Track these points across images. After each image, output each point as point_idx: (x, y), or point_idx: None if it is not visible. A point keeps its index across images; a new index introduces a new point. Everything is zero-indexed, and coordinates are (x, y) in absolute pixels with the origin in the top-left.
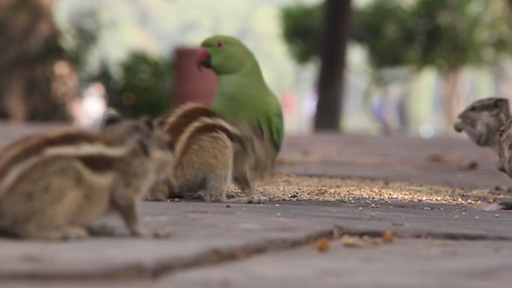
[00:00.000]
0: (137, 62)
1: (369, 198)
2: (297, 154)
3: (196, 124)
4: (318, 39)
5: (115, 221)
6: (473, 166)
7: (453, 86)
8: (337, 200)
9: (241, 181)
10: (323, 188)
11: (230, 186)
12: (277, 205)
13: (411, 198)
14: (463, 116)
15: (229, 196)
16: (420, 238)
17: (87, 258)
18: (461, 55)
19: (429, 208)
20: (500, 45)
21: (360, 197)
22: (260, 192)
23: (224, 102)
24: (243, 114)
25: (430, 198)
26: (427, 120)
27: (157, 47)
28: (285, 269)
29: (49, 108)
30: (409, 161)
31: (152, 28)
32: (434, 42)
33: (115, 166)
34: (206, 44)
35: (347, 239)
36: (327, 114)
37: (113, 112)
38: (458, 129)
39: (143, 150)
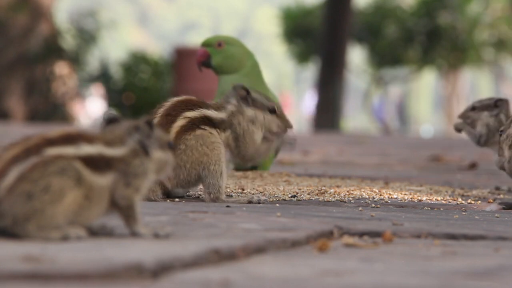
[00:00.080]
0: (137, 62)
1: (369, 198)
2: (297, 154)
3: (178, 123)
4: (318, 39)
5: (115, 221)
6: (473, 166)
7: (453, 86)
8: (337, 200)
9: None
10: (323, 188)
11: (229, 185)
12: (277, 205)
13: (411, 198)
14: (463, 116)
15: (229, 196)
16: (420, 238)
17: (87, 258)
18: (461, 55)
19: (429, 208)
20: (500, 45)
21: (360, 197)
22: (260, 192)
23: None
24: None
25: (430, 198)
26: (427, 120)
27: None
28: (285, 269)
29: (49, 108)
30: (409, 161)
31: (152, 28)
32: (434, 42)
33: (115, 166)
34: (206, 44)
35: (347, 239)
36: (327, 114)
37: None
38: (458, 129)
39: (143, 150)
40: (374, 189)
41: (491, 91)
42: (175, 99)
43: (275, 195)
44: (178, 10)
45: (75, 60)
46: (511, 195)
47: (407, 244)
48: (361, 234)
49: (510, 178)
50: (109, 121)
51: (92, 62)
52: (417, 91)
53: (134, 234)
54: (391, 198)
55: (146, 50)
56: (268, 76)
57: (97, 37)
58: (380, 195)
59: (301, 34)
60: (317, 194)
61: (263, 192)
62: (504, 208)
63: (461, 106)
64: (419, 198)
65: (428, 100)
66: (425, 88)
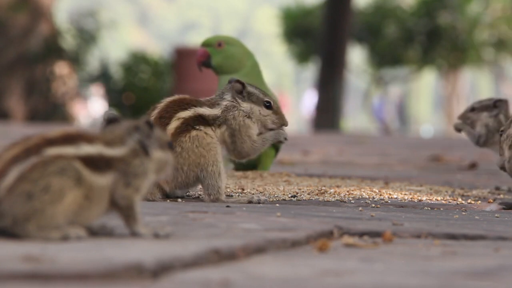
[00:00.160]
0: (137, 62)
1: (369, 198)
2: (297, 154)
3: (173, 125)
4: (318, 39)
5: (115, 221)
6: (473, 166)
7: (453, 86)
8: (337, 200)
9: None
10: (323, 188)
11: (229, 185)
12: (277, 205)
13: (411, 198)
14: (463, 117)
15: (229, 196)
16: (420, 238)
17: (87, 258)
18: (461, 55)
19: (429, 208)
20: (500, 45)
21: (360, 197)
22: (260, 192)
23: None
24: None
25: (430, 198)
26: (427, 120)
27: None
28: (285, 269)
29: (49, 108)
30: (409, 161)
31: (152, 28)
32: (434, 42)
33: (115, 166)
34: (206, 44)
35: (347, 239)
36: (327, 114)
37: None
38: (458, 129)
39: (143, 150)
40: (374, 189)
41: (491, 91)
42: (168, 99)
43: (275, 195)
44: (178, 10)
45: (75, 60)
46: (511, 195)
47: (407, 244)
48: (361, 234)
49: (510, 178)
50: (109, 121)
51: (92, 62)
52: (417, 91)
53: (134, 234)
54: (391, 198)
55: (146, 50)
56: (268, 76)
57: (97, 37)
58: (380, 195)
59: (301, 34)
60: (317, 194)
61: (263, 192)
62: (504, 208)
63: (461, 106)
64: (419, 198)
65: (428, 100)
66: (425, 88)
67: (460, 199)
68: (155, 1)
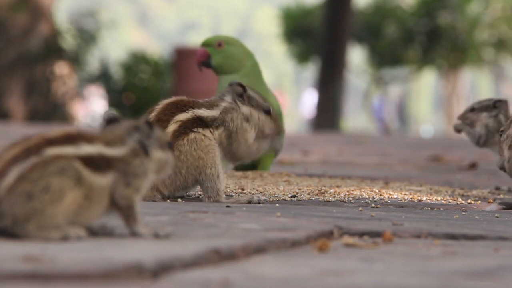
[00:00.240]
0: (137, 62)
1: (369, 198)
2: (297, 154)
3: (170, 129)
4: (318, 39)
5: (115, 221)
6: (473, 166)
7: (453, 86)
8: (337, 200)
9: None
10: (323, 188)
11: (229, 185)
12: (277, 205)
13: (411, 198)
14: (463, 117)
15: (229, 196)
16: (420, 238)
17: (87, 258)
18: (461, 55)
19: (429, 208)
20: (500, 45)
21: (360, 197)
22: (260, 192)
23: None
24: None
25: (430, 198)
26: (427, 120)
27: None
28: (285, 269)
29: (49, 108)
30: (409, 161)
31: (152, 28)
32: (434, 42)
33: (115, 166)
34: (206, 44)
35: (347, 239)
36: (327, 114)
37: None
38: (458, 130)
39: (143, 150)
40: (374, 189)
41: (491, 91)
42: (165, 101)
43: (275, 195)
44: (178, 10)
45: (75, 60)
46: (511, 195)
47: (407, 244)
48: (361, 234)
49: (510, 178)
50: (109, 121)
51: (92, 62)
52: (417, 91)
53: (134, 234)
54: (391, 198)
55: (146, 50)
56: (268, 76)
57: (97, 37)
58: (380, 195)
59: (301, 34)
60: (317, 194)
61: (263, 192)
62: (504, 208)
63: (461, 106)
64: (419, 198)
65: (428, 100)
66: (425, 88)
67: (460, 199)
68: (155, 1)
